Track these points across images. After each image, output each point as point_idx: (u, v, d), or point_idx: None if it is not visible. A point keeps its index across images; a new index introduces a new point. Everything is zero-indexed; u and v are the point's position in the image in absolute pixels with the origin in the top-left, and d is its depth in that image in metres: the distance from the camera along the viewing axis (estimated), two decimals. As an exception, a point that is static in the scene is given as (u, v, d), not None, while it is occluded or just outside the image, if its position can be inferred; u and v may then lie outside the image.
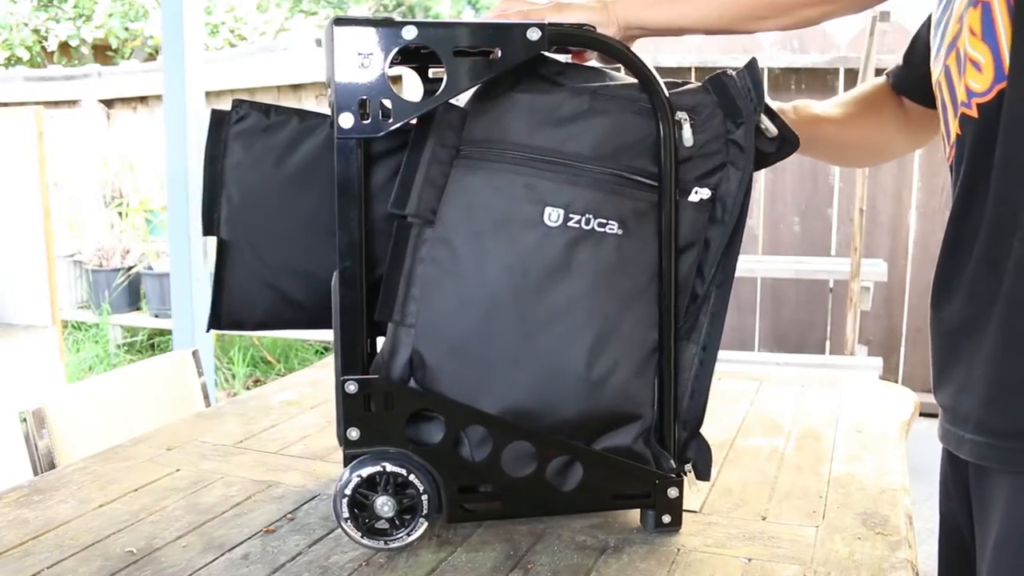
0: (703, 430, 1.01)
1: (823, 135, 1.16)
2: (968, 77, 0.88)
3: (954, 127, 0.92)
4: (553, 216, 0.92)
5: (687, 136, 0.93)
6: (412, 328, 0.95)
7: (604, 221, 0.93)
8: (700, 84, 0.96)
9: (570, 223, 0.92)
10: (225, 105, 1.00)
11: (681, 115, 0.93)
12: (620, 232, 0.93)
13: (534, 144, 0.93)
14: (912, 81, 1.14)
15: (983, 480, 0.91)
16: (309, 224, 1.01)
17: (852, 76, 3.98)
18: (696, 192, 0.95)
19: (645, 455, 0.99)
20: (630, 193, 0.94)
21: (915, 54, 1.13)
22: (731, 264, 0.98)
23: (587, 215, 0.92)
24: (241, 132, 0.99)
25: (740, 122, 0.94)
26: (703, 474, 1.01)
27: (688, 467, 1.01)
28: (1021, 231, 0.84)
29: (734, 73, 0.93)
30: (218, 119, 0.99)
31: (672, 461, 0.98)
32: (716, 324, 0.98)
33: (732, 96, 0.93)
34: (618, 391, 0.95)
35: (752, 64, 0.94)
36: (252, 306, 1.04)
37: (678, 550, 0.96)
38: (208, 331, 1.05)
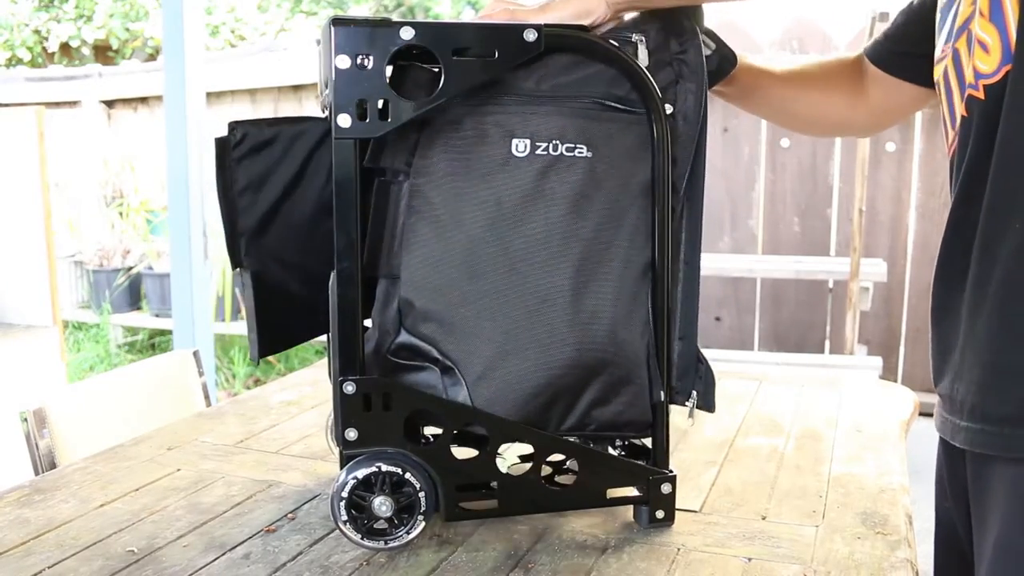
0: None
1: (759, 86, 1.18)
2: (976, 58, 0.88)
3: (960, 109, 0.92)
4: (520, 147, 0.94)
5: (642, 56, 0.96)
6: (398, 279, 0.96)
7: (572, 146, 0.94)
8: (644, 12, 0.99)
9: (538, 151, 0.94)
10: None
11: (637, 37, 0.96)
12: (590, 155, 0.95)
13: (496, 85, 0.94)
14: (888, 53, 1.14)
15: (982, 471, 0.90)
16: (319, 229, 1.01)
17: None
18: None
19: (644, 420, 1.00)
20: (596, 116, 0.95)
21: (895, 29, 1.14)
22: (699, 178, 1.00)
23: (553, 141, 0.94)
24: (243, 155, 0.99)
25: (684, 39, 0.97)
26: (708, 404, 1.01)
27: (692, 399, 1.01)
28: (1018, 214, 0.84)
29: None
30: (223, 146, 0.98)
31: (662, 392, 0.99)
32: (694, 238, 1.00)
33: (677, 16, 0.97)
34: (608, 329, 0.96)
35: None
36: (289, 325, 1.05)
37: (678, 549, 0.96)
38: (256, 362, 1.05)
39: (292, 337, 1.08)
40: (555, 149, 0.94)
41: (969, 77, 0.90)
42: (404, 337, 0.96)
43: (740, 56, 1.12)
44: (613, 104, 0.95)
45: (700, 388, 1.01)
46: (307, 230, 1.02)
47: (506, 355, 0.94)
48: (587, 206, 0.95)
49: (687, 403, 1.01)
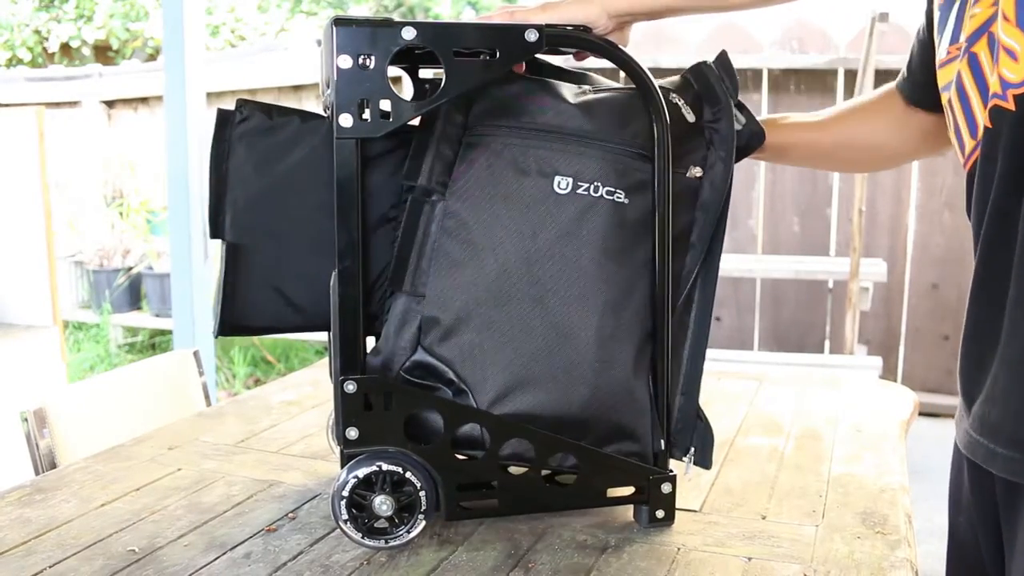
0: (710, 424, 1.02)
1: (796, 143, 1.19)
2: (1003, 66, 0.84)
3: (983, 119, 0.88)
4: (563, 184, 0.94)
5: (688, 115, 0.98)
6: (423, 297, 0.96)
7: (612, 190, 0.95)
8: (683, 76, 1.02)
9: (579, 191, 0.94)
10: (225, 106, 1.00)
11: (675, 97, 0.99)
12: (627, 201, 0.96)
13: (540, 121, 0.96)
14: (915, 87, 1.13)
15: (1015, 497, 0.87)
16: (312, 226, 1.01)
17: (852, 77, 3.99)
18: (691, 169, 0.98)
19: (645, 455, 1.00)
20: (634, 165, 0.96)
21: (915, 63, 1.12)
22: (718, 241, 1.00)
23: (595, 183, 0.95)
24: (245, 133, 0.99)
25: (718, 109, 0.98)
26: (704, 461, 1.02)
27: (688, 455, 1.01)
28: None
29: (711, 63, 1.00)
30: (223, 119, 0.98)
31: (663, 442, 0.99)
32: (706, 299, 1.00)
33: (711, 84, 0.99)
34: (622, 375, 0.96)
35: (723, 54, 1.00)
36: (258, 311, 1.03)
37: (678, 549, 0.96)
38: (216, 337, 1.04)
39: (263, 325, 1.05)
40: (596, 191, 0.94)
41: (994, 86, 0.86)
42: (421, 356, 0.96)
43: (772, 119, 1.14)
44: (647, 154, 0.96)
45: (697, 444, 1.01)
46: (302, 223, 1.01)
47: (521, 385, 0.94)
48: (619, 251, 0.95)
49: (684, 459, 1.02)
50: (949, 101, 0.95)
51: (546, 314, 0.94)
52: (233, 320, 1.02)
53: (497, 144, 0.95)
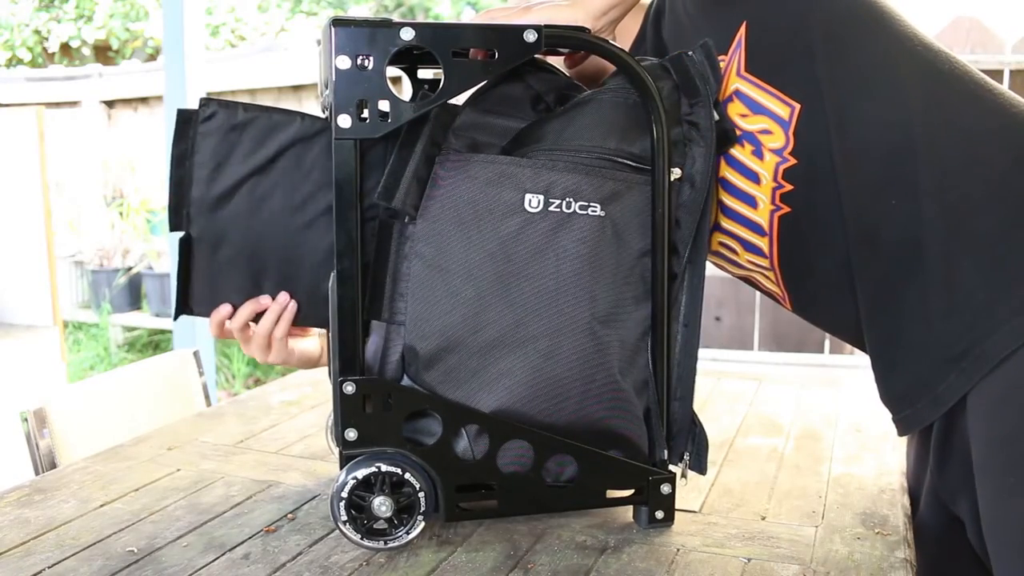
0: (704, 425, 1.02)
1: None
2: (766, 144, 0.93)
3: (774, 199, 0.96)
4: (533, 202, 0.93)
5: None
6: (402, 325, 0.95)
7: (586, 204, 0.94)
8: (659, 63, 0.98)
9: (551, 208, 0.93)
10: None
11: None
12: (603, 214, 0.94)
13: (509, 128, 0.95)
14: None
15: (947, 438, 0.93)
16: (275, 221, 1.00)
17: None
18: (670, 172, 0.96)
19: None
20: (609, 174, 0.95)
21: None
22: (702, 240, 0.99)
23: (567, 199, 0.93)
24: (209, 131, 0.98)
25: (696, 101, 0.96)
26: (699, 467, 1.01)
27: (684, 460, 1.01)
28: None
29: (692, 54, 0.96)
30: (185, 118, 0.98)
31: (666, 451, 0.99)
32: (695, 300, 0.99)
33: (691, 76, 0.96)
34: (610, 388, 0.96)
35: (707, 45, 0.96)
36: (221, 294, 1.02)
37: (678, 550, 0.96)
38: (176, 319, 1.04)
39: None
40: (568, 207, 0.93)
41: (769, 161, 0.94)
42: (407, 384, 0.96)
43: None
44: (624, 161, 0.95)
45: (692, 450, 1.01)
46: (266, 220, 1.00)
47: (508, 406, 0.94)
48: (598, 264, 0.94)
49: (678, 464, 1.01)
50: (729, 227, 1.04)
51: (526, 334, 0.93)
52: (194, 302, 1.02)
53: (466, 162, 0.94)
